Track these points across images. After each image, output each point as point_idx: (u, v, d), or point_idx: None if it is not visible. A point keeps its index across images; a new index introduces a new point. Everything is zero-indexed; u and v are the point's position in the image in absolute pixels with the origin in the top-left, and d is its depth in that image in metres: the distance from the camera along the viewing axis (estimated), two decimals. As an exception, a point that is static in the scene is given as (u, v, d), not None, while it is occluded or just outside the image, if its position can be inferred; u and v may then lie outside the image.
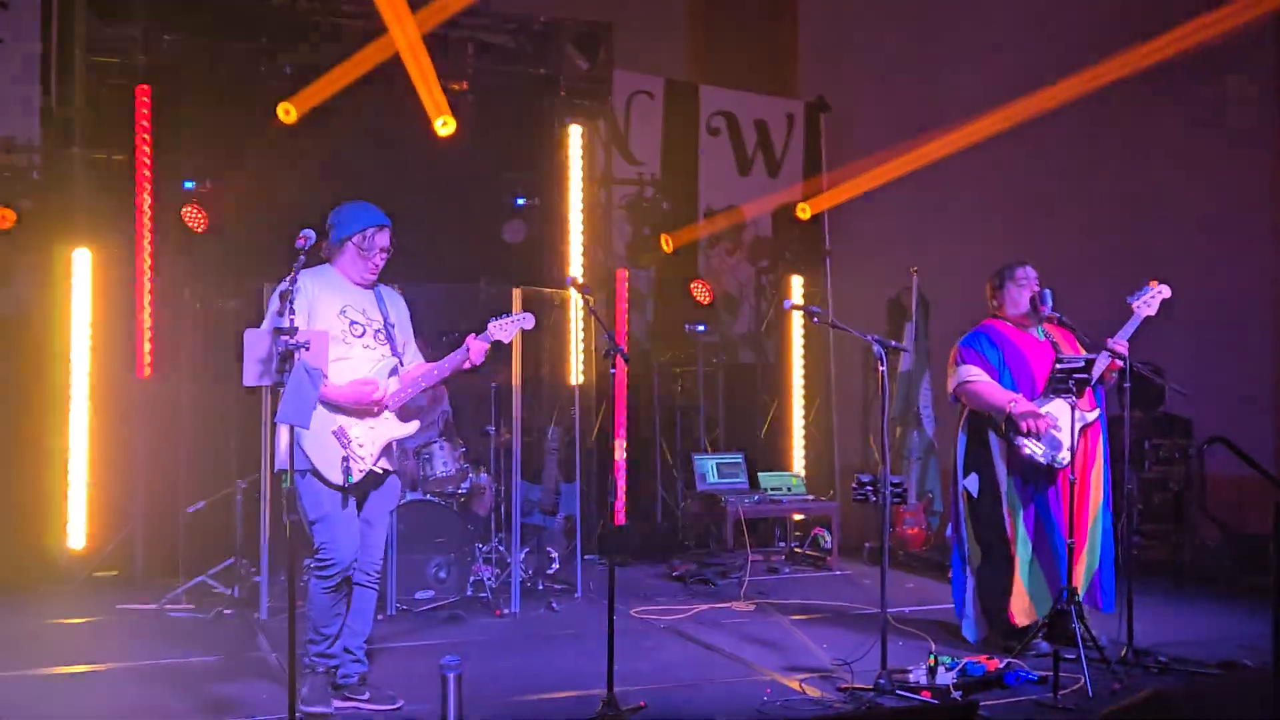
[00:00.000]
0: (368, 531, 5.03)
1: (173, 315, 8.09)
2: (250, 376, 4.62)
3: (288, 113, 7.99)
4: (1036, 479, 5.81)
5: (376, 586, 5.14)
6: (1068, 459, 5.61)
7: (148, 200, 7.84)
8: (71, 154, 8.11)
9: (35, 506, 7.87)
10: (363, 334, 5.00)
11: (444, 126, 8.30)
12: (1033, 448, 5.69)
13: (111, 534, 7.99)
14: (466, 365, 5.03)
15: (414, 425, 5.11)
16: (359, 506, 5.00)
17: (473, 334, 5.04)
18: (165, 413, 8.05)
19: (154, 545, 7.93)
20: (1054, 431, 5.68)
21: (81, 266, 7.81)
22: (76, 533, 7.74)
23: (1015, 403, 5.76)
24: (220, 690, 5.10)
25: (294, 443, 4.73)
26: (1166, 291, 5.76)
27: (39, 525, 7.86)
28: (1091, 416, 5.81)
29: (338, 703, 4.95)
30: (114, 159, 8.17)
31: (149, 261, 7.83)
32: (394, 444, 5.06)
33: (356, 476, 4.85)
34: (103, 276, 8.02)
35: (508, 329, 5.07)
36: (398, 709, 4.95)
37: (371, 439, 4.94)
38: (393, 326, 5.12)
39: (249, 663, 5.79)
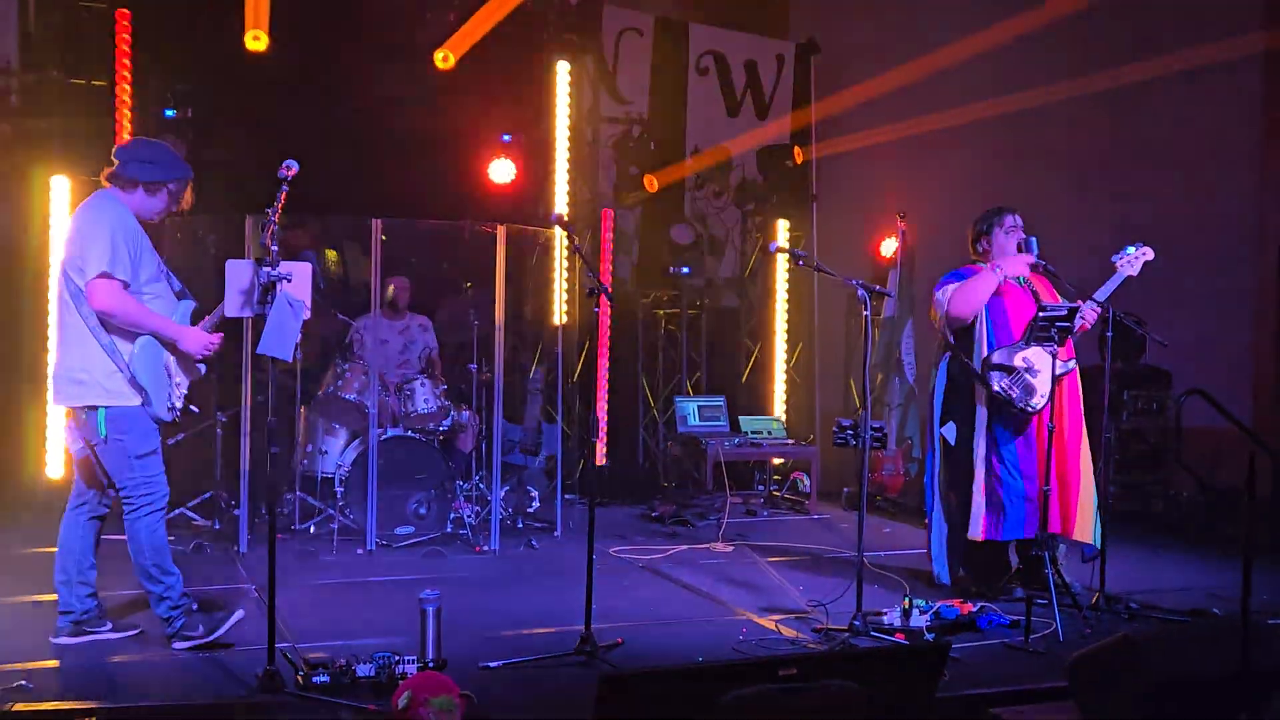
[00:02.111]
0: None
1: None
2: (232, 307, 4.60)
3: (257, 38, 7.84)
4: (1012, 425, 5.83)
5: None
6: (1041, 404, 5.63)
7: (127, 128, 7.73)
8: (50, 78, 7.99)
9: (13, 436, 7.85)
10: (168, 275, 4.97)
11: (445, 61, 8.19)
12: (1005, 387, 5.67)
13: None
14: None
15: (203, 369, 5.02)
16: None
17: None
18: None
19: (133, 476, 7.90)
20: (1029, 378, 5.68)
21: (60, 193, 7.71)
22: (55, 462, 7.72)
23: (998, 268, 5.81)
24: (200, 622, 5.09)
25: (131, 375, 4.69)
26: (1149, 254, 5.79)
27: (17, 455, 7.84)
28: (1069, 366, 5.82)
29: (77, 640, 4.88)
30: (94, 84, 8.05)
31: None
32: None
33: (175, 415, 4.87)
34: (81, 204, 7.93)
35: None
36: (140, 633, 4.98)
37: (184, 380, 4.92)
38: None
39: (228, 595, 5.81)
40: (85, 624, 4.93)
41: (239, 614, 4.91)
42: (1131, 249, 5.78)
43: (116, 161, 4.89)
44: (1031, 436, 5.80)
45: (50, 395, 4.93)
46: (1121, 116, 9.09)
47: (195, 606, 4.94)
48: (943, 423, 6.03)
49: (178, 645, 4.83)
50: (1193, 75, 8.50)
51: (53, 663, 4.66)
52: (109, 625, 4.99)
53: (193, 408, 4.97)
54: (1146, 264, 5.78)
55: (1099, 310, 5.73)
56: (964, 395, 5.94)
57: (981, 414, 5.85)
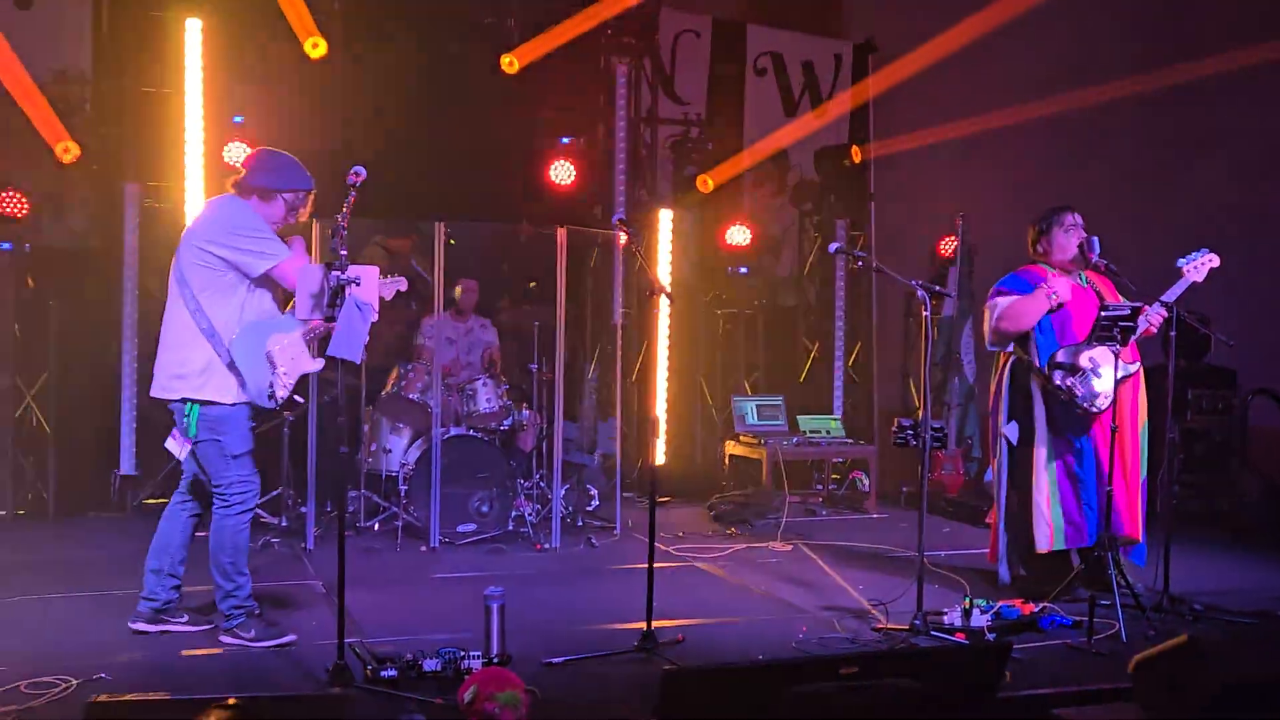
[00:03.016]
0: None
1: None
2: (303, 310, 4.71)
3: (315, 45, 7.99)
4: (1076, 425, 5.79)
5: None
6: (1105, 405, 5.60)
7: (198, 135, 7.90)
8: (123, 87, 8.18)
9: (88, 434, 8.06)
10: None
11: (510, 66, 8.32)
12: (1070, 385, 5.64)
13: (162, 462, 8.16)
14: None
15: (321, 362, 5.06)
16: None
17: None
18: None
19: (203, 474, 8.08)
20: (1093, 377, 5.65)
21: (133, 200, 7.91)
22: (128, 460, 7.91)
23: (1054, 294, 5.76)
24: (269, 618, 5.22)
25: (230, 359, 4.80)
26: (1216, 261, 5.73)
27: (92, 452, 8.05)
28: (1133, 369, 5.78)
29: (153, 627, 5.03)
30: (164, 93, 8.23)
31: (200, 196, 7.91)
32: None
33: (276, 404, 4.92)
34: (154, 210, 8.12)
35: (389, 288, 5.12)
36: (213, 627, 5.08)
37: (294, 368, 4.93)
38: None
39: (296, 591, 5.94)
40: (164, 613, 5.08)
41: (291, 637, 4.99)
42: (1198, 254, 5.73)
43: (243, 170, 5.04)
44: (1095, 437, 5.76)
45: (152, 388, 5.03)
46: (1184, 115, 8.96)
47: (258, 611, 5.06)
48: (1006, 422, 6.01)
49: (224, 639, 4.96)
50: (1258, 73, 8.37)
51: (128, 655, 4.79)
52: (185, 618, 5.14)
53: (297, 398, 5.04)
54: (1212, 270, 5.74)
55: (1165, 314, 5.67)
56: (1026, 395, 5.92)
57: (1042, 414, 5.83)
